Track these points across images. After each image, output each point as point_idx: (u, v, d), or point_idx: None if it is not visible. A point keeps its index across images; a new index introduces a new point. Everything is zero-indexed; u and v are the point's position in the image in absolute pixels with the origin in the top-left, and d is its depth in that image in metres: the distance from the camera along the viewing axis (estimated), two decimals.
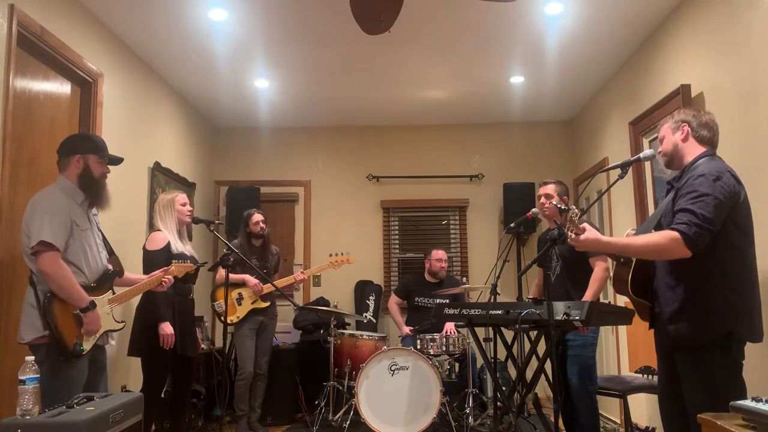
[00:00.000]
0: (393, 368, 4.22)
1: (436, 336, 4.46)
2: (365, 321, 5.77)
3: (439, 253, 5.08)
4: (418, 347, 4.41)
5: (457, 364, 4.68)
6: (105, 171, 2.86)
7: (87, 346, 2.64)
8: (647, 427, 4.09)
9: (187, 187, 5.40)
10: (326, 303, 5.78)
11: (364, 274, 6.07)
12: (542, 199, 3.62)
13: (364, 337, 4.62)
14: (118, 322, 2.86)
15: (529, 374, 3.26)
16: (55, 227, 2.58)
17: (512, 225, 4.07)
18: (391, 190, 6.26)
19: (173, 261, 3.28)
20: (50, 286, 2.55)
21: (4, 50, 2.94)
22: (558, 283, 3.52)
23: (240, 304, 4.44)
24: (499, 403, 3.58)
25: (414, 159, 6.27)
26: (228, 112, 5.87)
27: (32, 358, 2.20)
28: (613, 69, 4.80)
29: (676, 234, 2.19)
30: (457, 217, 6.25)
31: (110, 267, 2.90)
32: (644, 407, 4.21)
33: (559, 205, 2.87)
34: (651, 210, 4.13)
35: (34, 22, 3.16)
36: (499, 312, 2.95)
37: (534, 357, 3.15)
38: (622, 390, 3.49)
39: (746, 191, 2.31)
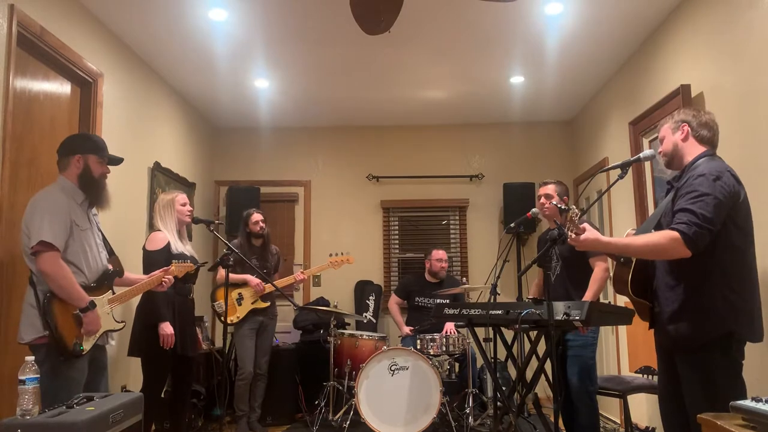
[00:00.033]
0: (393, 368, 4.22)
1: (436, 336, 4.46)
2: (365, 321, 5.77)
3: (439, 253, 5.09)
4: (418, 347, 4.41)
5: (457, 364, 4.68)
6: (105, 171, 2.86)
7: (87, 346, 2.64)
8: (647, 427, 4.09)
9: (187, 187, 5.40)
10: (326, 303, 5.78)
11: (364, 274, 6.07)
12: (542, 200, 3.62)
13: (364, 337, 4.62)
14: (118, 322, 2.86)
15: (529, 374, 3.26)
16: (55, 227, 2.58)
17: (512, 225, 4.08)
18: (391, 190, 6.26)
19: (173, 261, 3.28)
20: (50, 286, 2.55)
21: (4, 50, 2.95)
22: (558, 283, 3.52)
23: (240, 304, 4.44)
24: (499, 403, 3.58)
25: (414, 159, 6.28)
26: (228, 112, 5.87)
27: (32, 358, 2.20)
28: (613, 69, 4.80)
29: (675, 234, 2.19)
30: (457, 217, 6.25)
31: (110, 267, 2.90)
32: (644, 407, 4.21)
33: (559, 205, 2.87)
34: (651, 210, 4.13)
35: (34, 22, 3.16)
36: (499, 312, 2.95)
37: (534, 357, 3.15)
38: (622, 390, 3.49)
39: (746, 191, 2.31)
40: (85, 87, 3.76)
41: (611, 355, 4.91)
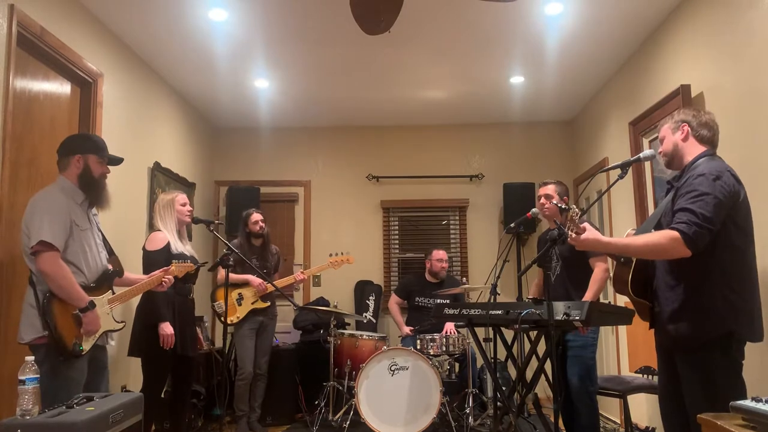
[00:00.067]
0: (393, 368, 4.22)
1: (436, 336, 4.46)
2: (365, 321, 5.77)
3: (439, 254, 5.09)
4: (418, 347, 4.41)
5: (457, 364, 4.68)
6: (105, 171, 2.86)
7: (86, 346, 2.64)
8: (647, 427, 4.09)
9: (187, 187, 5.40)
10: (326, 303, 5.78)
11: (364, 274, 6.07)
12: (542, 200, 3.62)
13: (364, 337, 4.62)
14: (118, 322, 2.86)
15: (529, 374, 3.26)
16: (55, 227, 2.58)
17: (512, 225, 4.07)
18: (391, 190, 6.26)
19: (173, 261, 3.28)
20: (50, 286, 2.55)
21: (4, 50, 2.94)
22: (558, 283, 3.52)
23: (240, 305, 4.44)
24: (499, 403, 3.58)
25: (414, 159, 6.27)
26: (228, 112, 5.87)
27: (32, 358, 2.20)
28: (613, 69, 4.80)
29: (675, 233, 2.19)
30: (457, 217, 6.25)
31: (110, 267, 2.90)
32: (644, 407, 4.21)
33: (560, 205, 2.87)
34: (651, 210, 4.13)
35: (34, 23, 3.16)
36: (499, 312, 2.95)
37: (534, 357, 3.15)
38: (622, 390, 3.49)
39: (746, 191, 2.31)
40: (85, 87, 3.76)
41: (611, 355, 4.91)
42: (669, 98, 3.76)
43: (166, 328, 3.47)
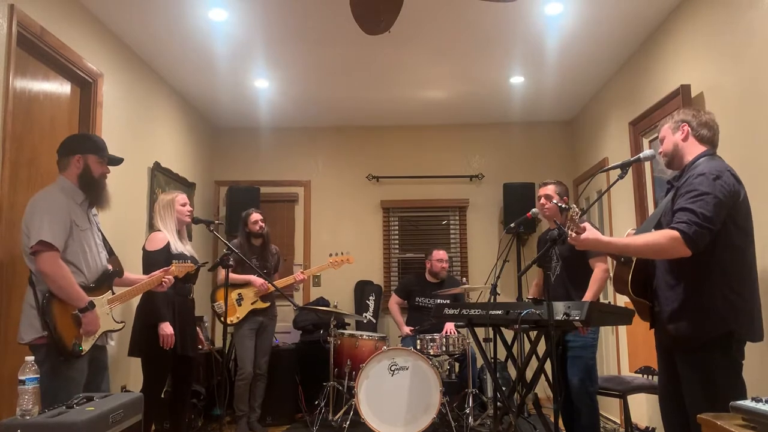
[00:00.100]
0: (393, 368, 4.22)
1: (436, 336, 4.46)
2: (365, 321, 5.77)
3: (440, 254, 5.09)
4: (418, 347, 4.41)
5: (457, 364, 4.68)
6: (105, 171, 2.86)
7: (86, 346, 2.64)
8: (647, 427, 4.08)
9: (187, 187, 5.40)
10: (326, 303, 5.78)
11: (364, 274, 6.07)
12: (542, 200, 3.62)
13: (364, 337, 4.62)
14: (118, 322, 2.86)
15: (529, 374, 3.26)
16: (55, 227, 2.58)
17: (512, 225, 4.07)
18: (391, 191, 6.26)
19: (173, 261, 3.28)
20: (49, 286, 2.55)
21: (4, 50, 2.94)
22: (558, 283, 3.51)
23: (240, 305, 4.44)
24: (499, 403, 3.57)
25: (414, 159, 6.27)
26: (228, 112, 5.87)
27: (32, 358, 2.20)
28: (613, 69, 4.80)
29: (675, 233, 2.19)
30: (457, 217, 6.25)
31: (110, 267, 2.90)
32: (644, 407, 4.21)
33: (560, 204, 2.87)
34: (651, 210, 4.13)
35: (34, 23, 3.16)
36: (499, 312, 2.95)
37: (534, 357, 3.15)
38: (622, 390, 3.49)
39: (746, 191, 2.31)
40: (85, 87, 3.76)
41: (611, 355, 4.91)
42: (669, 98, 3.76)
43: (166, 328, 3.47)
